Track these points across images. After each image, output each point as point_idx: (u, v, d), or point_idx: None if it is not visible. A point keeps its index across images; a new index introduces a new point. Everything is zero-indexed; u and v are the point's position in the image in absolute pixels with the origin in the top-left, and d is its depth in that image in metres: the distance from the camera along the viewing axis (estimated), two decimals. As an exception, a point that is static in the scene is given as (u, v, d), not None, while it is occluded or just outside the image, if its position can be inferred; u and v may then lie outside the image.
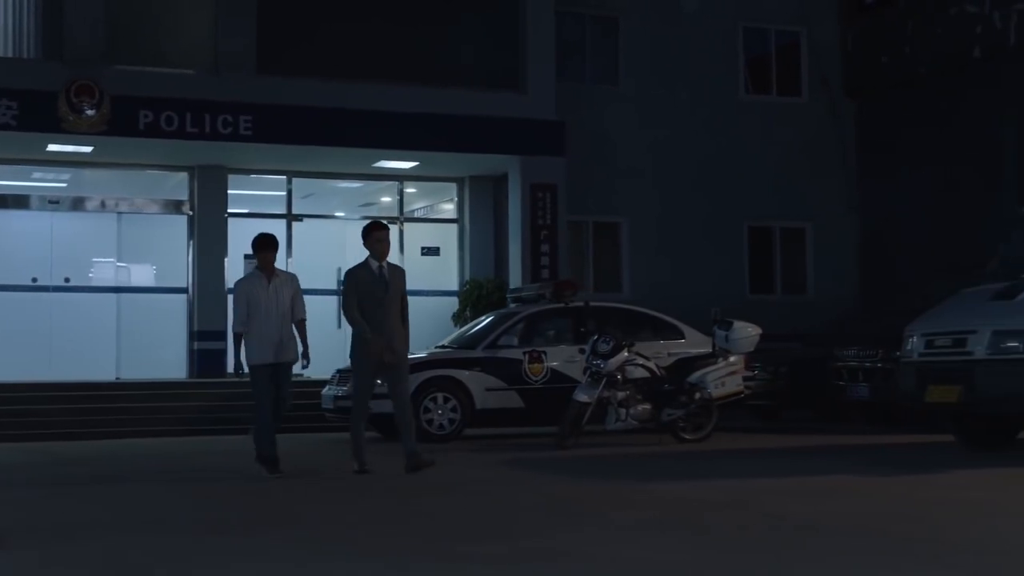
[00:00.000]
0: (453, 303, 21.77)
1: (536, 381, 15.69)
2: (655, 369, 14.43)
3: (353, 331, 11.19)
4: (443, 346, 16.52)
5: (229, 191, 20.91)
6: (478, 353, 15.78)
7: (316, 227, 21.90)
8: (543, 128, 20.49)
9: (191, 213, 20.82)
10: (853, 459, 12.17)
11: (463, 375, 15.49)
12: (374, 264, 11.20)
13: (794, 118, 24.15)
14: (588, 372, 14.05)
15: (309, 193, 22.18)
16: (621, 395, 14.02)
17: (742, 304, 22.93)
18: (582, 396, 13.89)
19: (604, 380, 13.94)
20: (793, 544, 6.71)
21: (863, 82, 24.33)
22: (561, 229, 21.00)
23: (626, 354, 14.10)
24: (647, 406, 14.22)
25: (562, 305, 16.27)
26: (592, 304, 16.63)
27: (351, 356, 11.24)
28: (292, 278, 11.44)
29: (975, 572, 5.82)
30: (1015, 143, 21.12)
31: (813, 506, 8.35)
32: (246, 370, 11.34)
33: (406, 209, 22.60)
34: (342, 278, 11.65)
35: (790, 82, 24.42)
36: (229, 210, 20.92)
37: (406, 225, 22.30)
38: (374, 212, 22.26)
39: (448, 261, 22.40)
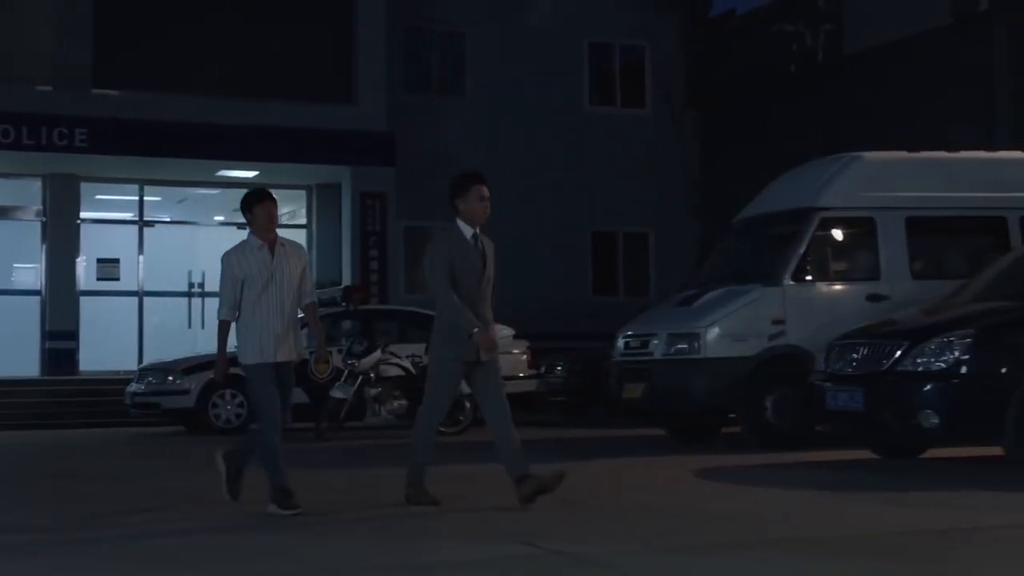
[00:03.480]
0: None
1: (323, 379, 16.84)
2: (410, 368, 15.62)
3: (438, 320, 8.38)
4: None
5: (83, 198, 22.08)
6: (266, 353, 16.94)
7: (168, 232, 23.11)
8: (373, 139, 21.69)
9: (44, 219, 21.98)
10: (562, 451, 13.27)
11: (250, 373, 16.64)
12: (467, 231, 8.40)
13: (638, 129, 25.40)
14: (345, 371, 15.25)
15: (183, 199, 23.47)
16: (374, 392, 15.22)
17: (586, 306, 24.26)
18: (338, 393, 15.12)
19: (360, 378, 15.14)
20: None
21: (703, 95, 25.57)
22: (392, 236, 22.22)
23: (379, 354, 15.31)
24: (403, 402, 15.42)
25: (352, 308, 17.46)
26: (379, 308, 17.84)
27: (431, 353, 8.54)
28: (300, 249, 8.68)
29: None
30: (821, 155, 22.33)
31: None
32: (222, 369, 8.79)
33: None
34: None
35: (634, 94, 25.67)
36: (81, 216, 22.09)
37: (256, 230, 23.46)
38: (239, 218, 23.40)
39: (297, 265, 23.56)
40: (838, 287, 12.99)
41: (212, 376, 15.71)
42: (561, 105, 24.88)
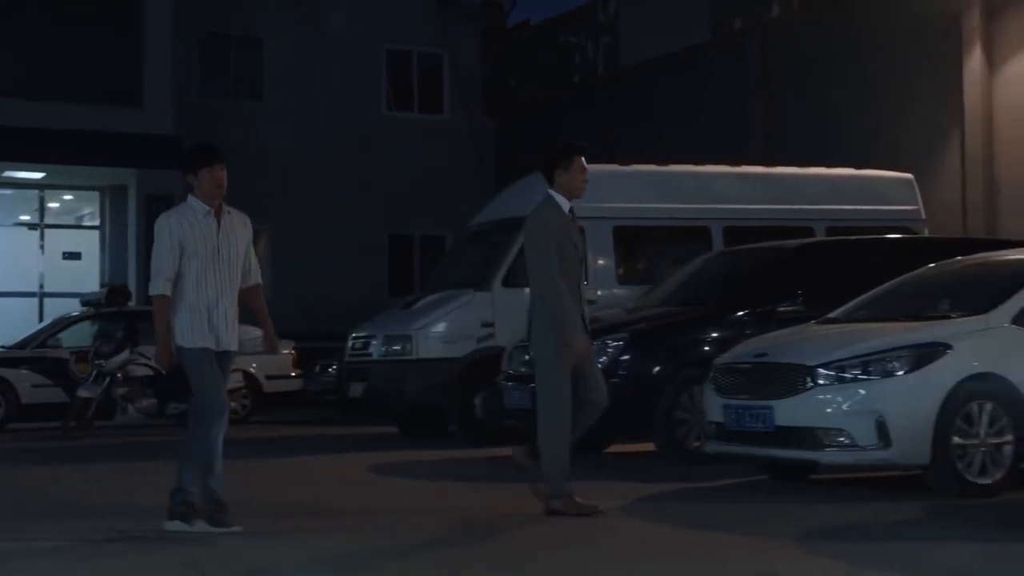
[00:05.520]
0: (87, 305, 23.19)
1: (84, 379, 17.17)
2: (159, 368, 16.03)
3: (551, 308, 7.55)
4: (1, 346, 17.93)
5: None
6: (27, 352, 17.24)
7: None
8: (159, 142, 21.96)
9: None
10: (270, 448, 13.86)
11: (9, 373, 16.92)
12: (564, 204, 7.78)
13: (436, 133, 26.07)
14: (93, 371, 15.62)
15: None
16: (122, 391, 15.62)
17: (382, 306, 24.76)
18: (84, 392, 15.49)
19: (108, 378, 15.53)
20: None
21: (498, 103, 26.34)
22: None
23: (127, 354, 15.71)
24: (152, 401, 15.83)
25: (115, 309, 17.80)
26: (144, 309, 18.15)
27: (539, 344, 7.69)
28: (246, 220, 7.45)
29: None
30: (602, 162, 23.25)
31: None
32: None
33: (58, 216, 23.98)
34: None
35: (433, 101, 26.36)
36: None
37: (47, 231, 23.65)
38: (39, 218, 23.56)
39: (90, 266, 23.78)
40: (547, 292, 13.71)
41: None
42: (360, 110, 25.45)
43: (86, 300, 18.85)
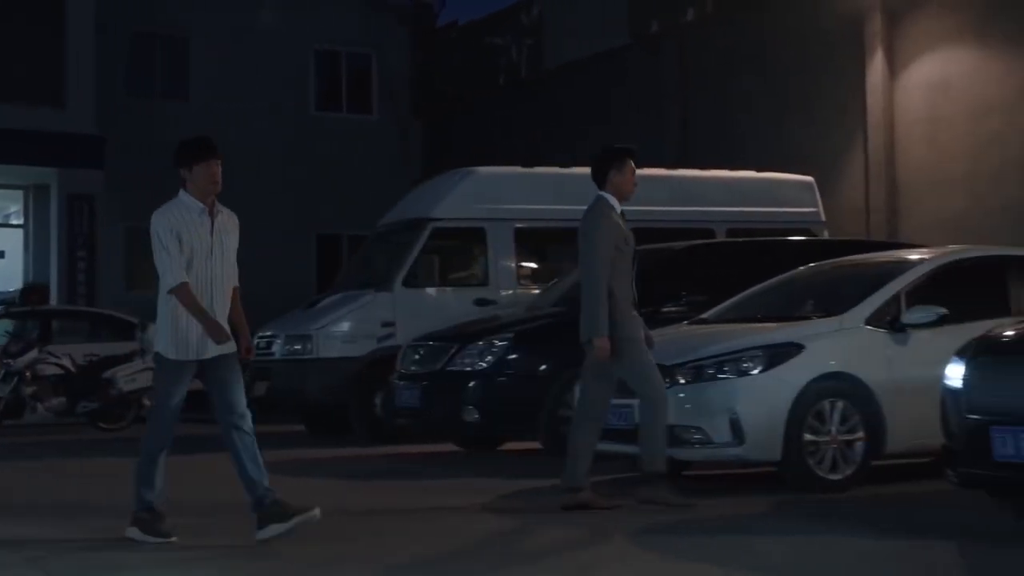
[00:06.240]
0: (12, 304, 23.20)
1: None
2: (69, 367, 16.11)
3: (588, 305, 7.90)
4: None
5: None
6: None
7: None
8: (80, 142, 21.99)
9: None
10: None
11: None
12: (617, 205, 8.02)
13: (365, 134, 26.20)
14: (1, 370, 15.68)
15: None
16: (30, 391, 15.68)
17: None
18: (-10, 391, 15.54)
19: (16, 378, 15.59)
20: None
21: (427, 103, 26.50)
22: (108, 237, 22.59)
23: (36, 353, 15.78)
24: (61, 399, 15.90)
25: (29, 308, 17.84)
26: (62, 308, 18.27)
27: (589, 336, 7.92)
28: (235, 219, 7.14)
29: None
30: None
31: None
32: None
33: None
34: (598, 218, 7.97)
35: (362, 101, 26.48)
36: None
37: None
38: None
39: (14, 265, 23.77)
40: (448, 292, 13.91)
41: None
42: (288, 110, 25.54)
43: (3, 299, 18.90)
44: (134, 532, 6.82)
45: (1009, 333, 6.62)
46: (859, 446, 8.50)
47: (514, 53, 23.61)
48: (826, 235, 15.00)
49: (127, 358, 16.59)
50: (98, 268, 22.40)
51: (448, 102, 25.85)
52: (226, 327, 6.83)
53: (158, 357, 6.93)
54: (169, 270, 6.77)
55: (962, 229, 15.71)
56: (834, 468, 8.44)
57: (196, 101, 24.92)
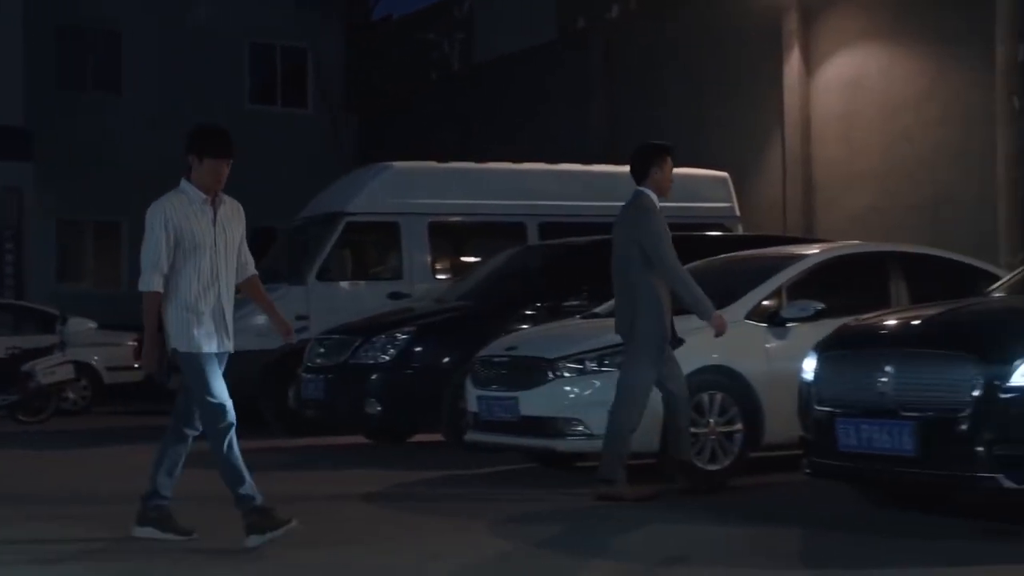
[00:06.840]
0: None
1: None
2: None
3: (647, 298, 8.02)
4: None
5: None
6: None
7: None
8: (9, 135, 21.95)
9: None
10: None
11: None
12: (658, 201, 8.22)
13: (299, 128, 26.24)
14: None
15: None
16: (-55, 384, 15.70)
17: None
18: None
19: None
20: None
21: (361, 98, 26.58)
22: (38, 229, 22.57)
23: (-46, 347, 15.79)
24: (-20, 393, 15.91)
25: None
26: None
27: (641, 333, 8.02)
28: (240, 209, 6.91)
29: None
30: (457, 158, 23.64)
31: None
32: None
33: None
34: (646, 212, 8.08)
35: (296, 95, 26.53)
36: None
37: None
38: None
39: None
40: (362, 285, 14.02)
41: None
42: (222, 104, 25.47)
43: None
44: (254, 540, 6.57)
45: (855, 327, 6.82)
46: (738, 437, 8.69)
47: (446, 47, 23.73)
48: (740, 230, 15.21)
49: (48, 351, 16.62)
50: (26, 261, 22.38)
51: (382, 96, 25.93)
52: (231, 320, 6.63)
53: (177, 354, 6.55)
54: (147, 271, 6.53)
55: (875, 225, 15.99)
56: (713, 459, 8.63)
57: (128, 95, 24.89)
